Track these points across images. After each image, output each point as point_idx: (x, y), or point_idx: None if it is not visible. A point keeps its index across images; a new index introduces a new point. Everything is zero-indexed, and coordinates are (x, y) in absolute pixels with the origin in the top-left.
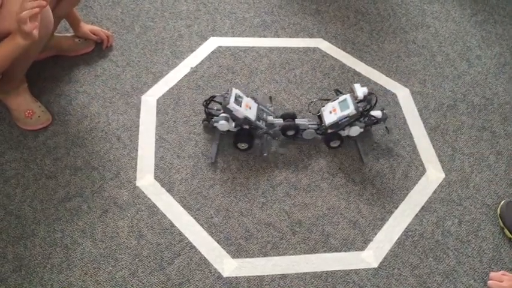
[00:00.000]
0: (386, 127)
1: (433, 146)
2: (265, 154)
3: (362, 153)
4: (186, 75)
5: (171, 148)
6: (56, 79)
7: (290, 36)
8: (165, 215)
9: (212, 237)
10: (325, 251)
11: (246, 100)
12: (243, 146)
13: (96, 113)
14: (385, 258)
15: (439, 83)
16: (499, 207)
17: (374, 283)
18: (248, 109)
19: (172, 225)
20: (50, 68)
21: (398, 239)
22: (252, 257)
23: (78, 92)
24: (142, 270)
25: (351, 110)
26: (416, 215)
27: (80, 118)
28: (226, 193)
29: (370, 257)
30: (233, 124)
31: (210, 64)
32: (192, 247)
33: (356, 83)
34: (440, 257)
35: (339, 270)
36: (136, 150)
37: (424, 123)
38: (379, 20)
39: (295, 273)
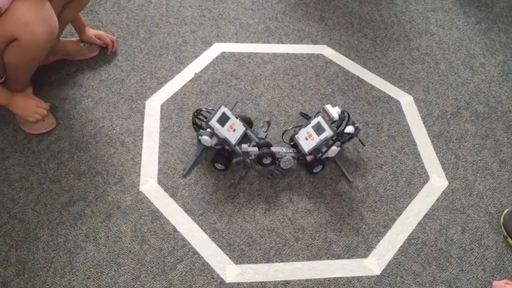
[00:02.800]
0: (360, 140)
1: (437, 153)
2: (233, 181)
3: (345, 171)
4: (190, 80)
5: (175, 153)
6: (60, 83)
7: (294, 43)
8: (168, 220)
9: (215, 242)
10: (327, 258)
11: (233, 121)
12: (219, 166)
13: (100, 118)
14: (388, 265)
15: (442, 90)
16: (502, 215)
17: None
18: (231, 131)
19: (175, 231)
20: (55, 72)
21: (401, 246)
22: (255, 263)
23: (82, 97)
24: (145, 275)
25: (328, 132)
26: (420, 222)
27: (84, 122)
28: (230, 199)
29: (373, 264)
30: (215, 141)
31: (214, 70)
32: (195, 252)
33: (327, 104)
34: (443, 265)
35: (342, 277)
36: (140, 155)
37: (427, 130)
38: (383, 27)
39: (298, 280)
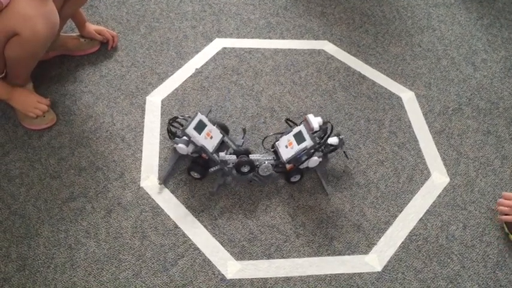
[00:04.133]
0: (344, 152)
1: (438, 149)
2: (211, 190)
3: (324, 184)
4: (190, 76)
5: None
6: (61, 79)
7: (295, 38)
8: (168, 216)
9: (216, 239)
10: (329, 254)
11: (210, 129)
12: (195, 175)
13: (100, 113)
14: (389, 262)
15: (444, 86)
16: None
17: (378, 287)
18: (208, 138)
19: (176, 227)
20: (55, 67)
21: (402, 243)
22: (256, 259)
23: (83, 92)
24: (145, 271)
25: (308, 142)
26: (421, 219)
27: (84, 118)
28: (230, 195)
29: (374, 260)
30: (191, 149)
31: (215, 65)
32: (196, 249)
33: (310, 113)
34: (445, 262)
35: (343, 274)
36: (141, 151)
37: (429, 126)
38: (385, 23)
39: (299, 276)
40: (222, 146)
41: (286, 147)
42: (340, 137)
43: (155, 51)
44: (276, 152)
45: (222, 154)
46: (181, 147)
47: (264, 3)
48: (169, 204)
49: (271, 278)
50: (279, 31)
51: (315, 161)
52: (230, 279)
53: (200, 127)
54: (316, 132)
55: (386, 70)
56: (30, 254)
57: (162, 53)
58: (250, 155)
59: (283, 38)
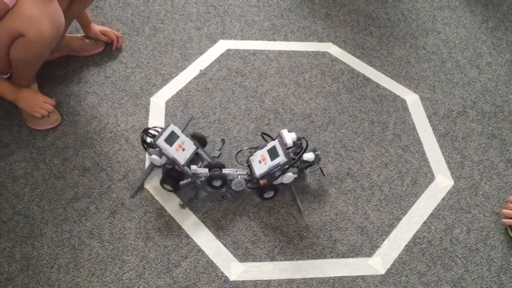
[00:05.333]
0: (320, 168)
1: (442, 152)
2: (181, 203)
3: (298, 200)
4: (195, 77)
5: None
6: (65, 79)
7: (299, 40)
8: (172, 217)
9: (219, 240)
10: (332, 257)
11: (182, 140)
12: (168, 187)
13: (105, 114)
14: (392, 265)
15: (448, 89)
16: None
17: None
18: (180, 150)
19: (180, 228)
20: (60, 68)
21: (406, 246)
22: (259, 261)
23: (87, 93)
24: (149, 273)
25: (281, 158)
26: (425, 222)
27: (89, 119)
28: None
29: (378, 263)
30: (164, 161)
31: (219, 67)
32: (199, 250)
33: (284, 128)
34: (449, 265)
35: (346, 276)
36: (145, 152)
37: (433, 129)
38: (389, 25)
39: (302, 279)
40: (198, 158)
41: (260, 162)
42: (316, 153)
43: (159, 53)
44: (250, 167)
45: (193, 167)
46: (155, 158)
47: (268, 5)
48: (173, 205)
49: (274, 280)
50: (283, 33)
51: (289, 177)
52: (233, 281)
53: (172, 139)
54: (290, 148)
55: (390, 72)
56: (34, 254)
57: (166, 54)
58: (223, 169)
59: (288, 40)
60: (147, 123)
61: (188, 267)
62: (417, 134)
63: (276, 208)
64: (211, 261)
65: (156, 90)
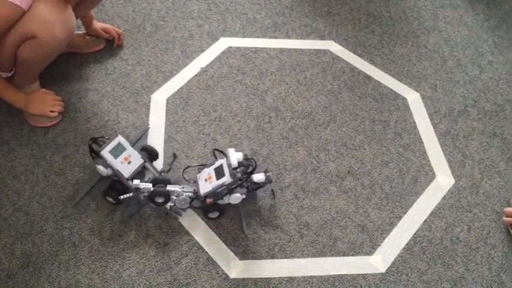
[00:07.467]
0: (272, 190)
1: (443, 151)
2: (122, 218)
3: (244, 224)
4: (196, 75)
5: (180, 148)
6: (66, 76)
7: (301, 38)
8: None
9: (220, 238)
10: (332, 255)
11: (129, 153)
12: (110, 200)
13: (105, 111)
14: (393, 263)
15: (450, 88)
16: None
17: None
18: (125, 163)
19: (180, 225)
20: (61, 65)
21: (406, 244)
22: (260, 259)
23: (88, 90)
24: (149, 270)
25: (226, 178)
26: (425, 220)
27: (89, 116)
28: None
29: (378, 261)
30: (110, 172)
31: (220, 64)
32: (200, 248)
33: (231, 147)
34: (449, 264)
35: (347, 275)
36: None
37: (434, 128)
38: (391, 24)
39: (302, 277)
40: (146, 172)
41: (206, 180)
42: (268, 174)
43: (160, 50)
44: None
45: (136, 181)
46: (101, 169)
47: (269, 2)
48: None
49: (274, 278)
50: (285, 31)
51: (236, 197)
52: (233, 278)
53: (118, 150)
54: (237, 168)
55: (392, 71)
56: (35, 250)
57: (167, 51)
58: (168, 185)
59: (289, 38)
60: (148, 120)
61: (188, 264)
62: (418, 133)
63: (277, 206)
64: (212, 258)
65: (157, 87)
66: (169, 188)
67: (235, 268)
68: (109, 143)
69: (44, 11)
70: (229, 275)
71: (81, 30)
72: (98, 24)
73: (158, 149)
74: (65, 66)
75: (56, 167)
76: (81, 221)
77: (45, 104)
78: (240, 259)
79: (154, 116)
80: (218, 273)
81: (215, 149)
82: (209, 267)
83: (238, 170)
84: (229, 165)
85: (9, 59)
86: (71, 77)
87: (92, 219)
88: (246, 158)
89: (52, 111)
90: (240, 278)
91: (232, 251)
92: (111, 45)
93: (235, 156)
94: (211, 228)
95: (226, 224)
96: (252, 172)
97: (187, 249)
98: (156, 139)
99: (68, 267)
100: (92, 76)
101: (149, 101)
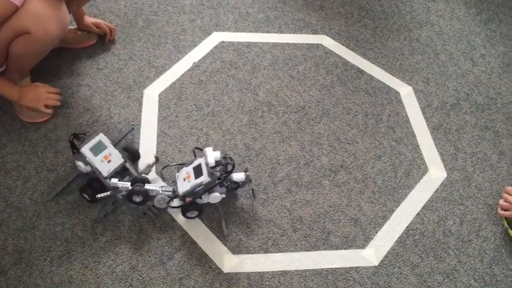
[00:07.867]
0: (252, 190)
1: (436, 144)
2: (96, 216)
3: (223, 223)
4: (188, 69)
5: (173, 143)
6: (58, 72)
7: (293, 33)
8: (166, 210)
9: (213, 232)
10: (325, 249)
11: (110, 152)
12: (86, 197)
13: (98, 107)
14: (385, 256)
15: (442, 81)
16: None
17: (374, 281)
18: (105, 161)
19: (173, 220)
20: (52, 60)
21: (399, 237)
22: (253, 253)
23: (80, 85)
24: (142, 265)
25: (204, 177)
26: (418, 213)
27: (81, 111)
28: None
29: (371, 255)
30: (89, 169)
31: (213, 59)
32: (193, 242)
33: (209, 146)
34: (441, 256)
35: (340, 268)
36: (138, 145)
37: (426, 121)
38: (383, 18)
39: (296, 270)
40: (126, 172)
41: (184, 180)
42: (247, 173)
43: (153, 45)
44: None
45: (114, 180)
46: (80, 165)
47: None
48: None
49: (268, 272)
50: (277, 25)
51: (215, 197)
52: (227, 273)
53: (98, 148)
54: (216, 167)
55: (384, 65)
56: (27, 247)
57: (159, 46)
58: (147, 185)
59: (282, 32)
60: (140, 115)
61: (182, 259)
62: (411, 126)
63: (270, 200)
64: (205, 253)
65: (149, 82)
66: (147, 187)
67: (229, 262)
68: (90, 140)
69: (38, 7)
70: (222, 269)
71: (73, 25)
72: (89, 19)
73: (151, 143)
74: (57, 62)
75: (48, 162)
76: (74, 216)
77: (39, 97)
78: (233, 253)
79: (147, 111)
80: (211, 268)
81: (195, 148)
82: (202, 262)
83: (218, 169)
84: (207, 164)
85: (1, 54)
86: (63, 72)
87: (84, 214)
88: (224, 157)
89: (47, 107)
90: (233, 272)
91: (225, 245)
92: (102, 40)
93: (212, 155)
94: (204, 223)
95: (219, 219)
96: (231, 171)
97: (180, 244)
98: (148, 134)
99: (60, 263)
100: (83, 71)
101: (141, 96)
